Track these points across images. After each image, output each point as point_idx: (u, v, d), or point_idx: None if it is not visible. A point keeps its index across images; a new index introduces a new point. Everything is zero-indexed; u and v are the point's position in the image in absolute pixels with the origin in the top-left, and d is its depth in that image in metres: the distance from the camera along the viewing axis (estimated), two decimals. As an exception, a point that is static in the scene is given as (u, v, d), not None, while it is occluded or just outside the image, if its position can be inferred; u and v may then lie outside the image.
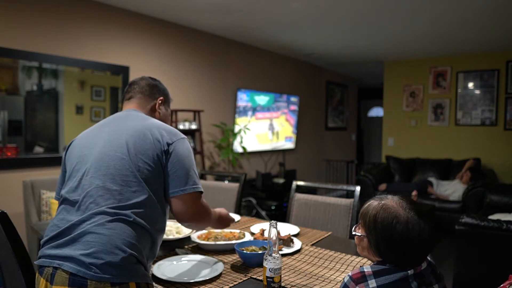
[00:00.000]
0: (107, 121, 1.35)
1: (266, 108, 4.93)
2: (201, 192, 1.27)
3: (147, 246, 1.16)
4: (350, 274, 1.02)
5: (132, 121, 1.29)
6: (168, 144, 1.23)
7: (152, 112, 1.44)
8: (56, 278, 1.05)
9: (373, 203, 1.08)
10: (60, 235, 1.11)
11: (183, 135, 1.30)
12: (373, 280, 0.98)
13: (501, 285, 1.17)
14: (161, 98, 1.47)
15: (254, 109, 4.75)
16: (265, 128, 4.89)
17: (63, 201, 1.20)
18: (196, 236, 1.83)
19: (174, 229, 1.92)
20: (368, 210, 1.07)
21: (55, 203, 2.85)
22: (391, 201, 1.06)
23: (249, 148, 4.83)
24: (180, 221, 1.28)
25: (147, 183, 1.17)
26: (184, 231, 1.92)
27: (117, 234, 1.08)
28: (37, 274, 1.14)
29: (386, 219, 1.02)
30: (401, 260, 1.01)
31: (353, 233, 1.12)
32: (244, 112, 4.68)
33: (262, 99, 4.81)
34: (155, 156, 1.20)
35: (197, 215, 1.28)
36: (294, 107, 5.77)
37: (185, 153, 1.25)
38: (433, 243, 1.04)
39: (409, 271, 0.99)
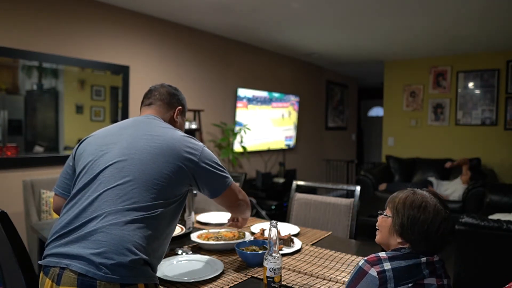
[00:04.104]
0: (127, 124, 1.34)
1: (279, 99, 5.65)
2: (232, 182, 1.38)
3: (156, 248, 1.16)
4: (365, 258, 1.07)
5: (157, 129, 1.29)
6: (197, 157, 1.25)
7: (170, 121, 1.44)
8: (64, 278, 1.04)
9: (403, 191, 1.18)
10: (70, 232, 1.10)
11: (201, 144, 1.31)
12: (388, 263, 1.04)
13: (506, 286, 1.16)
14: (180, 107, 1.47)
15: (271, 100, 5.47)
16: (279, 115, 5.70)
17: (74, 196, 1.19)
18: (196, 236, 1.83)
19: None
20: (398, 195, 1.17)
21: (55, 203, 2.84)
22: (421, 192, 1.16)
23: (265, 130, 5.46)
24: (230, 208, 1.46)
25: (166, 189, 1.18)
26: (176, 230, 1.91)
27: (130, 236, 1.07)
28: (41, 274, 1.11)
29: (416, 201, 1.12)
30: (419, 243, 1.09)
31: (380, 213, 1.20)
32: (264, 101, 5.36)
33: (277, 94, 5.63)
34: (179, 167, 1.21)
35: (238, 196, 1.42)
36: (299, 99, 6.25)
37: (211, 161, 1.30)
38: (450, 236, 1.16)
39: (422, 259, 1.05)
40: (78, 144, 1.34)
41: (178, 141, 1.25)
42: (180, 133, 1.32)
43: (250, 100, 5.08)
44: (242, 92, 4.92)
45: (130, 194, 1.13)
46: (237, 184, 2.68)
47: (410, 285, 1.01)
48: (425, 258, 1.06)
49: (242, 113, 4.96)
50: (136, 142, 1.23)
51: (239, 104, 4.89)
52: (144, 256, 1.08)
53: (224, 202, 1.39)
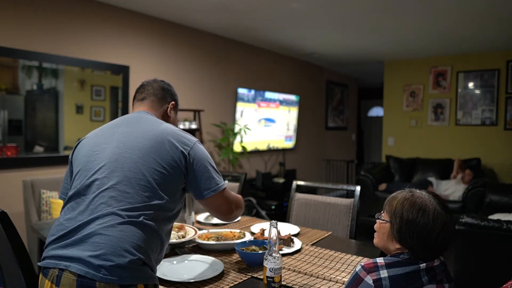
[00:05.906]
0: (119, 122, 1.33)
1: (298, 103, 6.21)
2: (225, 187, 1.32)
3: (155, 249, 1.16)
4: (362, 264, 1.04)
5: (147, 125, 1.28)
6: (188, 151, 1.24)
7: (164, 116, 1.43)
8: (63, 280, 1.03)
9: (402, 192, 1.13)
10: (67, 235, 1.09)
11: (194, 138, 1.30)
12: (385, 271, 1.01)
13: (504, 286, 1.16)
14: (173, 102, 1.47)
15: (297, 102, 6.04)
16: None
17: (70, 199, 1.18)
18: (196, 236, 1.83)
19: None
20: (397, 197, 1.12)
21: (55, 203, 2.84)
22: (420, 193, 1.10)
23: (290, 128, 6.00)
24: (220, 217, 1.35)
25: (160, 187, 1.17)
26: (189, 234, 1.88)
27: (127, 237, 1.07)
28: (40, 276, 1.11)
29: (414, 205, 1.06)
30: (418, 249, 1.04)
31: (377, 217, 1.15)
32: (291, 104, 5.88)
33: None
34: (172, 162, 1.20)
35: (231, 206, 1.34)
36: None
37: (203, 156, 1.27)
38: (451, 240, 1.08)
39: (421, 265, 1.02)
40: (74, 148, 1.33)
41: (168, 135, 1.24)
42: (172, 127, 1.30)
43: (282, 102, 5.68)
44: (274, 95, 5.49)
45: (125, 194, 1.12)
46: (237, 184, 2.70)
47: None
48: (424, 264, 1.02)
49: (274, 112, 5.54)
50: (127, 140, 1.22)
51: (272, 105, 5.46)
52: (142, 257, 1.08)
53: (211, 206, 1.31)
